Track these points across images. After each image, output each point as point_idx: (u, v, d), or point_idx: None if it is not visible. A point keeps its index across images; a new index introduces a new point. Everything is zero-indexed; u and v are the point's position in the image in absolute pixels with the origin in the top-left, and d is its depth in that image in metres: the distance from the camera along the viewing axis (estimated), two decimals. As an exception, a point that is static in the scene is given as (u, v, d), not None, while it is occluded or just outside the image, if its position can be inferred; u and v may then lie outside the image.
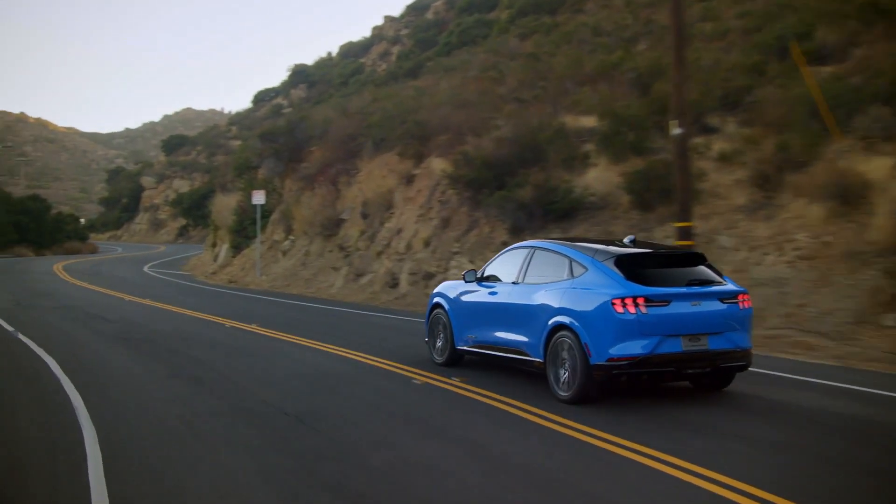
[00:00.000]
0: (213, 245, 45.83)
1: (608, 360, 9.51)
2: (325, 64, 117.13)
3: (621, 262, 10.04)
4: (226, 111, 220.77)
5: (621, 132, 22.92)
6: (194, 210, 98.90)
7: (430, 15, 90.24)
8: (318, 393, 10.89)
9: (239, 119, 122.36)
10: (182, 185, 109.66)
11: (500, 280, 11.81)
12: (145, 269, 44.71)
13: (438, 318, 12.93)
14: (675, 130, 17.31)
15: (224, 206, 46.07)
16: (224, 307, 23.02)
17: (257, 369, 12.76)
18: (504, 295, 11.48)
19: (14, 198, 66.54)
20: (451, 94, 32.84)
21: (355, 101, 42.00)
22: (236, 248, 39.60)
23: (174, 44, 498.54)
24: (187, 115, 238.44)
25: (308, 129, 37.36)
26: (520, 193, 22.68)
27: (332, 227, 32.09)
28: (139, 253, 67.68)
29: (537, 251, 11.28)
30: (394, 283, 26.43)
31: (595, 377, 9.64)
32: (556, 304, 10.26)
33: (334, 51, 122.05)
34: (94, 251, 76.22)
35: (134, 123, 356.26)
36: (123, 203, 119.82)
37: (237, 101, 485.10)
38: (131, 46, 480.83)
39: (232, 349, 14.82)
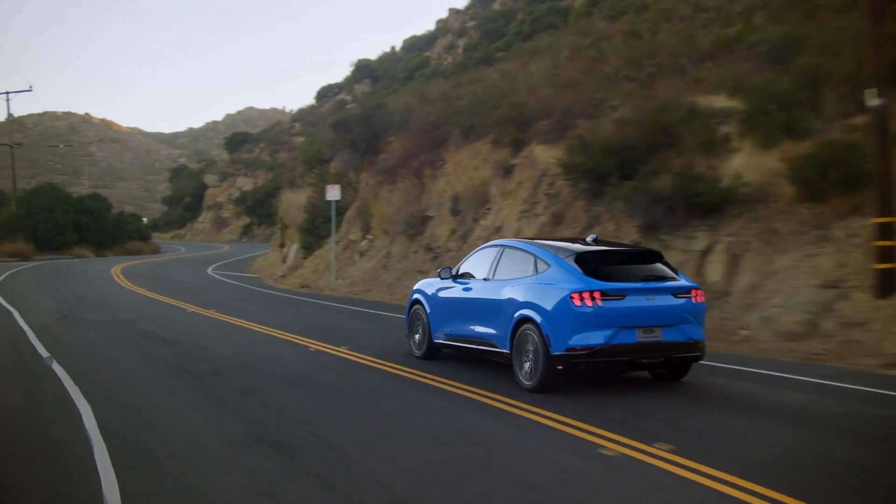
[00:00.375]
0: (282, 245, 42.46)
1: (567, 349, 10.10)
2: (388, 58, 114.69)
3: (581, 258, 10.67)
4: (287, 109, 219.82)
5: (768, 111, 18.84)
6: (258, 208, 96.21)
7: (496, 6, 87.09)
8: None
9: (302, 115, 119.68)
10: (245, 183, 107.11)
11: (473, 277, 12.43)
12: (209, 271, 41.45)
13: (417, 314, 13.65)
14: (873, 101, 13.75)
15: (292, 203, 42.70)
16: (301, 320, 19.40)
17: (373, 432, 8.66)
18: (476, 291, 12.12)
19: (73, 197, 63.91)
20: (549, 74, 28.95)
21: (434, 88, 38.27)
22: (307, 249, 36.07)
23: (236, 43, 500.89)
24: (249, 114, 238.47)
25: (386, 118, 33.76)
26: (655, 184, 18.72)
27: (416, 224, 28.40)
28: (202, 253, 64.79)
29: (506, 249, 12.05)
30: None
31: (555, 366, 10.21)
32: (521, 299, 10.89)
33: (398, 45, 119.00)
34: (156, 251, 73.65)
35: (197, 123, 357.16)
36: (186, 202, 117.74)
37: (299, 99, 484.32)
38: (194, 47, 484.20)
39: (326, 390, 11.08)
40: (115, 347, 14.81)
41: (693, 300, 10.59)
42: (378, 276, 28.39)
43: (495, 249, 12.28)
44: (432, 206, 28.45)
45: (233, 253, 64.24)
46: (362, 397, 10.52)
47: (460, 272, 12.82)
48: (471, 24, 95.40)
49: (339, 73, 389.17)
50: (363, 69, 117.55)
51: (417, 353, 13.51)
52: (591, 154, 20.85)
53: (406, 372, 12.03)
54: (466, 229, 26.12)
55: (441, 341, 12.93)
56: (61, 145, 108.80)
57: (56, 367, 12.50)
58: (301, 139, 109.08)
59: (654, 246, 16.98)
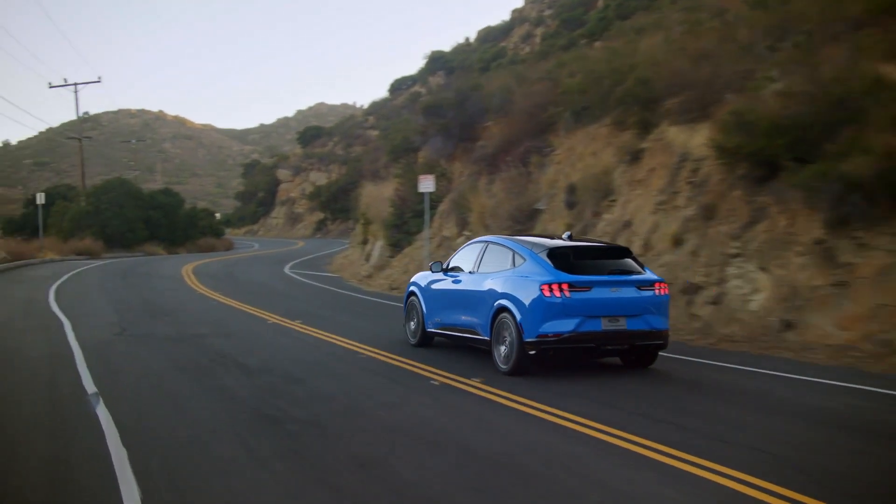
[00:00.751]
0: (364, 242, 39.18)
1: (538, 336, 11.06)
2: (462, 50, 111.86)
3: (553, 253, 11.71)
4: (358, 105, 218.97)
5: None
6: (332, 203, 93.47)
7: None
8: None
9: (375, 108, 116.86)
10: (319, 178, 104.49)
11: (461, 270, 13.45)
12: (286, 270, 38.34)
13: (413, 304, 14.74)
14: None
15: (375, 196, 39.47)
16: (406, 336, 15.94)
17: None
18: (463, 283, 13.14)
19: (145, 192, 61.36)
20: (673, 49, 25.02)
21: (535, 69, 34.50)
22: (394, 246, 32.65)
23: (308, 39, 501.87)
24: (320, 110, 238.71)
25: (482, 101, 30.21)
26: (846, 167, 14.82)
27: (523, 219, 24.73)
28: (277, 250, 61.90)
29: (490, 245, 13.11)
30: (629, 297, 19.11)
31: (527, 351, 11.17)
32: (500, 290, 11.91)
33: (472, 36, 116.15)
34: (229, 248, 71.14)
35: (268, 119, 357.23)
36: (259, 197, 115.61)
37: (370, 94, 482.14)
38: (265, 43, 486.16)
39: (490, 462, 7.34)
40: (180, 379, 11.37)
41: (657, 293, 11.57)
42: (479, 279, 24.80)
43: (481, 245, 13.37)
44: (542, 198, 24.77)
45: (308, 250, 61.32)
46: (553, 480, 6.84)
47: (450, 266, 13.86)
48: (548, 12, 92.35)
49: (411, 66, 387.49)
50: (437, 61, 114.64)
51: (413, 340, 14.63)
52: (754, 133, 17.00)
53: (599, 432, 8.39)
54: (585, 224, 22.39)
55: (433, 330, 14.00)
56: (133, 141, 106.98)
57: (101, 410, 9.10)
58: (375, 132, 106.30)
59: (846, 244, 14.47)
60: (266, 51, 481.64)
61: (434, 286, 14.06)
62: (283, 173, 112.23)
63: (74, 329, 16.37)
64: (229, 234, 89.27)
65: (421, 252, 29.47)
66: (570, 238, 12.67)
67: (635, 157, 22.04)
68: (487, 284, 12.27)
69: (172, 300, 22.86)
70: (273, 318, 18.39)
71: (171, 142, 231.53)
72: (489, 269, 12.59)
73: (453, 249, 28.36)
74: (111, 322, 17.64)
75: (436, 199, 30.21)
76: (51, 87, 53.22)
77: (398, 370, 12.04)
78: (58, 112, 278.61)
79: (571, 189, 23.38)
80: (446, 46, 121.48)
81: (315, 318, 18.27)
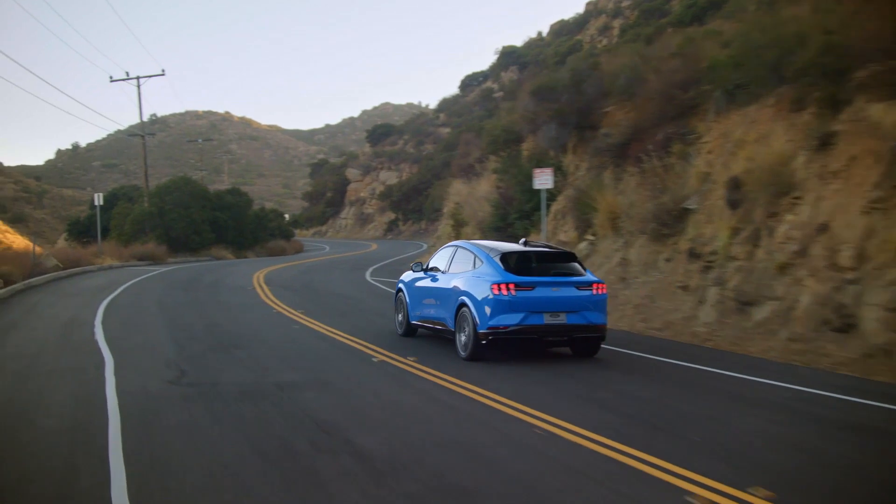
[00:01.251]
0: (454, 246, 34.79)
1: (489, 328, 12.82)
2: (535, 44, 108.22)
3: (504, 257, 13.48)
4: (423, 104, 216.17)
5: None
6: (404, 203, 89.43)
7: (654, -16, 79.36)
8: None
9: (446, 105, 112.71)
10: (389, 177, 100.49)
11: (438, 270, 15.16)
12: (367, 277, 33.90)
13: (400, 300, 16.56)
14: None
15: (464, 195, 35.12)
16: (573, 384, 11.45)
17: None
18: (437, 281, 14.88)
19: (211, 192, 57.47)
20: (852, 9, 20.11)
21: (658, 47, 29.54)
22: (496, 253, 28.05)
23: (373, 39, 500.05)
24: (385, 110, 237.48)
25: (603, 82, 25.49)
26: None
27: (670, 221, 19.95)
28: (351, 253, 57.73)
29: (459, 249, 14.94)
30: (843, 323, 14.18)
31: (480, 340, 12.93)
32: (462, 288, 13.68)
33: (544, 31, 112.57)
34: (299, 251, 67.25)
35: (334, 119, 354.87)
36: (328, 197, 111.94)
37: (435, 93, 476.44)
38: (331, 43, 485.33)
39: None
40: (269, 488, 6.95)
41: (594, 292, 13.24)
42: (613, 293, 20.03)
43: (452, 248, 15.26)
44: (692, 195, 19.97)
45: (384, 253, 57.00)
46: None
47: (430, 266, 15.62)
48: (626, 3, 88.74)
49: (479, 63, 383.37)
50: (509, 56, 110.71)
51: (399, 331, 16.45)
52: None
53: None
54: (756, 227, 17.61)
55: (416, 322, 15.82)
56: (200, 140, 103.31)
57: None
58: (446, 130, 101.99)
59: None
60: (331, 51, 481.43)
61: (416, 284, 15.82)
62: (352, 173, 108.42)
63: (117, 372, 12.00)
64: (297, 235, 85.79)
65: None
66: (525, 244, 14.44)
67: (824, 142, 17.13)
68: (453, 283, 14.11)
69: (245, 323, 18.42)
70: (378, 354, 13.83)
71: (237, 143, 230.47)
72: (456, 269, 14.39)
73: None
74: (167, 359, 13.21)
75: (550, 196, 25.63)
76: (112, 80, 48.18)
77: (592, 456, 7.53)
78: (127, 114, 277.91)
79: (734, 184, 18.52)
80: (517, 41, 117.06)
81: (435, 357, 13.70)
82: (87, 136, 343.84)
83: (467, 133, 44.69)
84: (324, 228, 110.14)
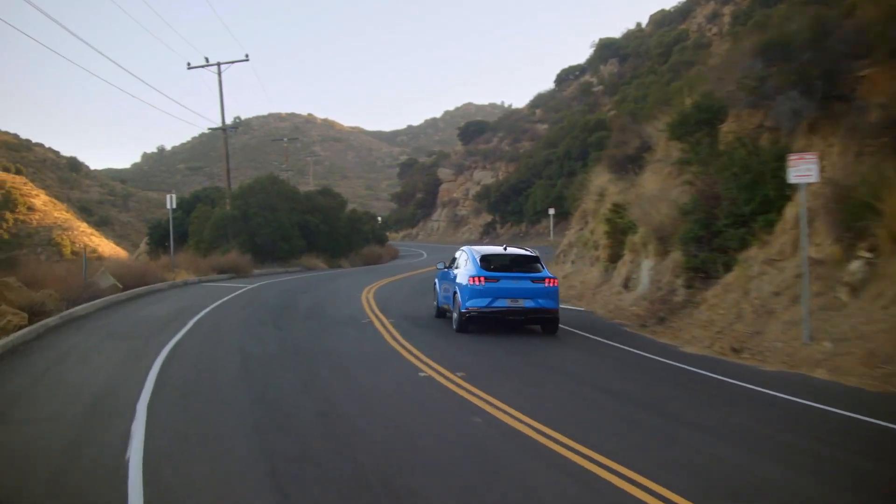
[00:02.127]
0: (612, 259, 26.95)
1: (466, 308, 17.57)
2: (635, 36, 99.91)
3: (483, 258, 18.31)
4: (506, 104, 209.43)
5: None
6: (502, 204, 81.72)
7: (767, -33, 71.32)
8: None
9: (541, 101, 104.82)
10: (483, 177, 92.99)
11: (453, 266, 19.78)
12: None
13: (434, 289, 22.14)
14: None
15: (613, 192, 27.42)
16: None
17: None
18: (449, 275, 19.62)
19: (300, 193, 50.43)
20: None
21: None
22: (695, 271, 20.12)
23: (454, 40, 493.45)
24: (468, 110, 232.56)
25: (853, 36, 17.49)
26: None
27: None
28: None
29: (463, 251, 19.74)
30: None
31: (463, 318, 17.70)
32: (457, 280, 18.35)
33: (643, 22, 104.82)
34: (394, 256, 60.10)
35: (416, 120, 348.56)
36: (418, 198, 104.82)
37: (518, 93, 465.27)
38: (413, 44, 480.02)
39: None
40: None
41: (546, 284, 17.79)
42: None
43: (461, 251, 20.00)
44: None
45: None
46: None
47: (449, 264, 20.47)
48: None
49: (564, 60, 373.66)
50: (607, 48, 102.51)
51: (434, 314, 21.34)
52: None
53: None
54: None
55: (442, 306, 20.42)
56: (285, 139, 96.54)
57: None
58: (543, 126, 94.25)
59: None
60: (413, 52, 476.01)
61: (442, 277, 20.60)
62: (444, 172, 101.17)
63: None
64: (388, 238, 79.31)
65: (759, 284, 17.24)
66: (505, 248, 19.96)
67: None
68: (455, 275, 18.90)
69: (383, 408, 10.46)
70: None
71: (320, 145, 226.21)
72: (459, 266, 19.20)
73: (845, 284, 15.93)
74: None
75: (779, 194, 17.74)
76: (190, 67, 41.20)
77: None
78: (209, 109, 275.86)
79: None
80: (614, 33, 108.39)
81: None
82: (173, 139, 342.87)
83: (621, 117, 37.04)
84: (414, 231, 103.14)
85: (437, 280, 21.42)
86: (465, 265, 18.40)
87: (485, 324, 17.87)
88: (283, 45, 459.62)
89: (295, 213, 45.11)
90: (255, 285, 31.44)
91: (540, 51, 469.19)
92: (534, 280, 17.64)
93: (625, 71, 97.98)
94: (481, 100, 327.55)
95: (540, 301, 17.47)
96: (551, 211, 70.86)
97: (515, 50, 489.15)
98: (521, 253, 19.23)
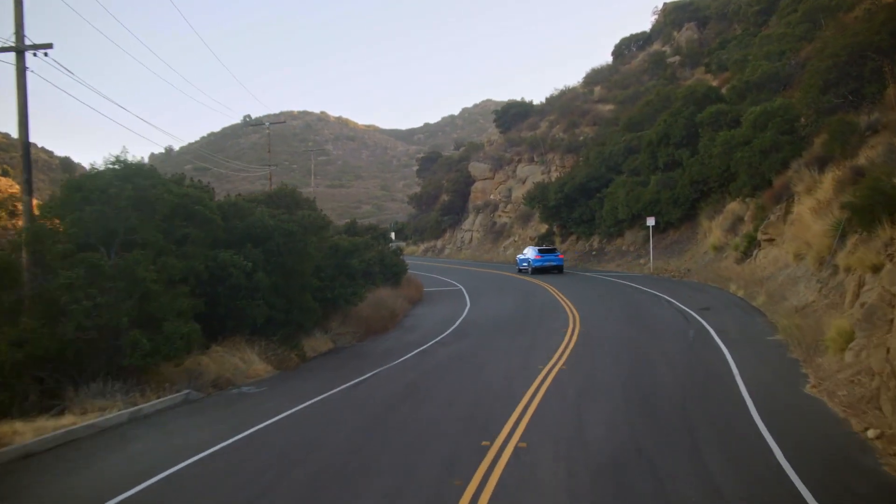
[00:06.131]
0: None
1: (534, 266, 47.15)
2: (714, -5, 72.90)
3: (536, 247, 50.23)
4: (526, 101, 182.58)
5: None
6: (564, 210, 54.30)
7: None
8: None
9: (599, 77, 77.04)
10: (531, 172, 65.55)
11: (524, 254, 50.32)
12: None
13: (517, 261, 52.25)
14: None
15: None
16: None
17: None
18: (524, 256, 50.02)
19: (238, 205, 22.50)
20: None
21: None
22: None
23: (472, 36, 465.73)
24: (487, 107, 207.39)
25: None
26: None
27: None
28: (541, 311, 23.72)
29: (529, 247, 52.80)
30: None
31: (529, 269, 47.77)
32: (527, 256, 49.23)
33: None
34: (416, 299, 33.68)
35: (433, 118, 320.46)
36: (444, 201, 76.95)
37: (539, 90, 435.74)
38: (429, 41, 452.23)
39: None
40: None
41: (559, 255, 47.53)
42: None
43: (528, 248, 51.82)
44: None
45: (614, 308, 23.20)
46: None
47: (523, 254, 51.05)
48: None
49: (588, 60, 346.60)
50: (682, 10, 75.51)
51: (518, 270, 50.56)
52: None
53: None
54: None
55: (521, 267, 49.87)
56: (268, 124, 68.87)
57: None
58: (608, 107, 66.81)
59: None
60: (431, 49, 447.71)
61: (518, 257, 51.76)
62: (477, 168, 73.51)
63: None
64: (403, 251, 52.72)
65: None
66: (543, 244, 54.39)
67: None
68: (526, 254, 49.54)
69: None
70: None
71: (333, 143, 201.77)
72: (526, 253, 50.16)
73: None
74: None
75: None
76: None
77: None
78: (220, 118, 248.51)
79: None
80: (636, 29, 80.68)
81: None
82: (180, 140, 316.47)
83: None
84: (439, 244, 75.64)
85: (518, 258, 51.43)
86: (529, 252, 49.24)
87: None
88: (296, 42, 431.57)
89: (200, 255, 18.02)
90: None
91: (562, 52, 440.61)
92: (556, 255, 47.36)
93: (707, 36, 71.24)
94: (501, 97, 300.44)
95: (556, 262, 46.67)
96: (650, 221, 43.58)
97: (535, 46, 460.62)
98: (549, 246, 52.40)
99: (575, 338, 21.65)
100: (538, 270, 46.33)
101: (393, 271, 35.33)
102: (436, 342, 22.85)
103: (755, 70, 43.57)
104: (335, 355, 21.73)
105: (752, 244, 34.53)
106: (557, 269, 46.45)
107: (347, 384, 16.84)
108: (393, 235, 57.20)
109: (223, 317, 18.94)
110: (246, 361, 18.66)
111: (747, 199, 38.30)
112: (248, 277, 18.99)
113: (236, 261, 18.73)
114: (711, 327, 22.36)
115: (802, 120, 35.79)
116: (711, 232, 41.12)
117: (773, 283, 28.21)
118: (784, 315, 21.42)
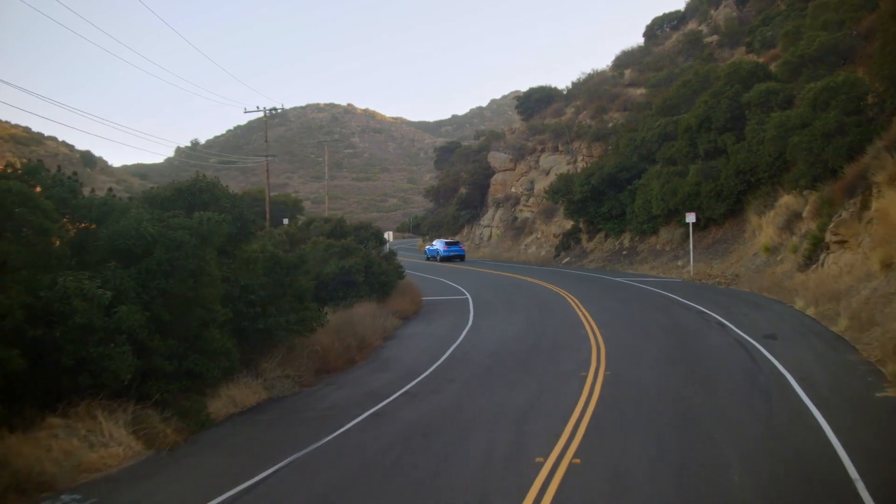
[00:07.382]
0: None
1: (441, 256, 60.10)
2: (756, -29, 64.57)
3: (444, 241, 62.44)
4: (551, 86, 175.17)
5: None
6: (591, 204, 47.27)
7: None
8: None
9: (630, 60, 69.63)
10: (556, 163, 58.51)
11: (433, 246, 64.38)
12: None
13: (425, 252, 67.86)
14: None
15: None
16: None
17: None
18: (433, 247, 63.78)
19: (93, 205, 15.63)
20: None
21: None
22: None
23: (501, 28, 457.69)
24: (516, 98, 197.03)
25: None
26: None
27: None
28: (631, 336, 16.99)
29: (436, 240, 65.72)
30: None
31: (437, 259, 60.66)
32: (435, 248, 62.72)
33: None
34: (408, 313, 27.45)
35: (461, 110, 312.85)
36: (462, 195, 70.15)
37: (568, 80, 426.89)
38: (456, 33, 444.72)
39: None
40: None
41: (462, 247, 60.46)
42: None
43: (437, 241, 64.71)
44: None
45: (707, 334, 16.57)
46: None
47: (431, 245, 65.77)
48: None
49: (614, 44, 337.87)
50: (719, -11, 67.99)
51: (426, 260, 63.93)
52: None
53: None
54: None
55: (430, 257, 63.09)
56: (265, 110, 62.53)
57: None
58: (639, 91, 59.62)
59: None
60: (459, 40, 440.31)
61: (427, 248, 67.06)
62: (497, 158, 66.60)
63: None
64: (419, 247, 48.18)
65: None
66: (451, 238, 68.34)
67: None
68: (435, 246, 62.35)
69: None
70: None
71: (359, 136, 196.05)
72: (435, 244, 63.03)
73: None
74: None
75: None
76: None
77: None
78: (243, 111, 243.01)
79: None
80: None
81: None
82: (208, 132, 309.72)
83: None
84: (457, 240, 69.36)
85: (427, 249, 65.12)
86: (436, 244, 62.63)
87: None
88: (323, 34, 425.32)
89: (21, 282, 11.59)
90: None
91: (591, 35, 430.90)
92: (460, 246, 60.52)
93: (747, 14, 63.83)
94: (530, 87, 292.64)
95: (460, 252, 59.38)
96: (690, 217, 36.58)
97: (565, 35, 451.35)
98: (454, 240, 65.31)
99: (598, 390, 14.83)
100: (446, 259, 58.90)
101: (381, 280, 28.56)
102: (404, 392, 16.07)
103: (811, 42, 36.27)
104: (260, 414, 15.06)
105: (817, 246, 27.51)
106: (460, 258, 58.72)
107: (224, 495, 10.17)
108: (388, 236, 50.66)
109: (72, 371, 12.39)
110: (98, 440, 12.11)
111: (805, 192, 31.32)
112: (107, 312, 12.42)
113: (86, 289, 12.15)
114: (789, 372, 15.54)
115: (870, 98, 29.10)
116: (762, 230, 34.06)
117: (856, 300, 21.26)
118: (887, 352, 14.71)
